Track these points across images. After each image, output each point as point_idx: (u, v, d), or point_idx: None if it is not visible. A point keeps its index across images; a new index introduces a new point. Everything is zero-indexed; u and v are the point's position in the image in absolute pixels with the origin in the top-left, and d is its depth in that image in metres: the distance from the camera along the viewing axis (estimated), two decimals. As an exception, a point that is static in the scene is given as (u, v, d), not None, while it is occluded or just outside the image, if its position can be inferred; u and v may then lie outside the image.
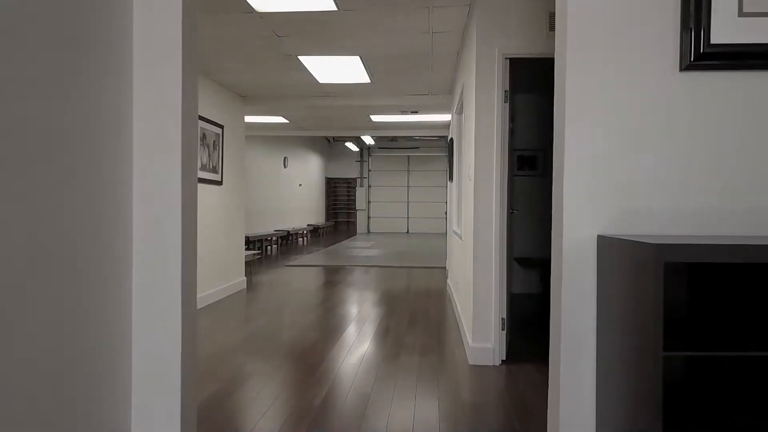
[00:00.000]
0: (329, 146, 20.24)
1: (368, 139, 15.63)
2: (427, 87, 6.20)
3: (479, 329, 3.65)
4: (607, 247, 1.35)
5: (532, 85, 6.14)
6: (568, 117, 1.46)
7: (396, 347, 4.03)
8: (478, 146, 3.63)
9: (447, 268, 8.78)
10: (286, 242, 14.07)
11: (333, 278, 7.85)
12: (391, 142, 18.95)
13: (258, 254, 8.30)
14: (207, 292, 5.74)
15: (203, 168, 5.61)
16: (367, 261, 10.00)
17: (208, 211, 5.78)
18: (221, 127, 6.06)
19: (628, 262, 1.24)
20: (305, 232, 15.60)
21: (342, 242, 15.03)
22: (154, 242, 1.68)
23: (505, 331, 3.67)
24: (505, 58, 3.61)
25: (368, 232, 20.24)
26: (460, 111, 5.60)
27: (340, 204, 20.87)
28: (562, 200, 1.45)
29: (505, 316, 3.66)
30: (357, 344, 4.13)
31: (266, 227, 12.99)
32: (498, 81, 3.59)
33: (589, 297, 1.45)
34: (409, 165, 20.22)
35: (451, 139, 6.22)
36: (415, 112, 7.46)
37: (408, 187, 20.28)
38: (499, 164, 3.61)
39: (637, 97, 1.46)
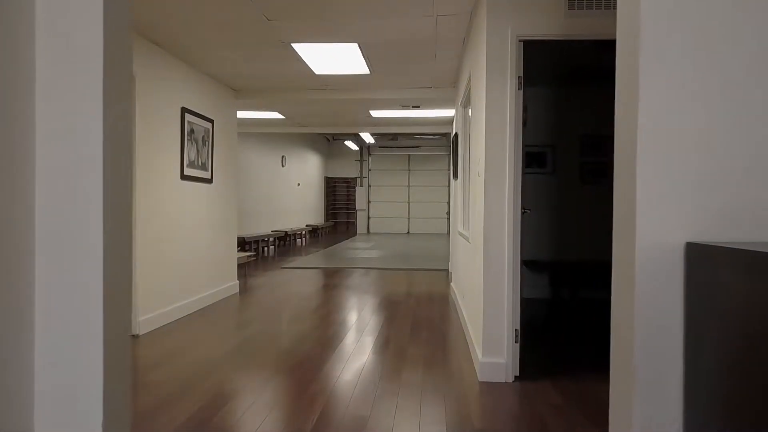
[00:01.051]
0: (328, 145, 19.87)
1: (368, 138, 15.27)
2: (430, 79, 5.84)
3: (490, 342, 3.28)
4: (706, 259, 0.98)
5: (539, 75, 5.77)
6: (642, 87, 1.08)
7: (397, 361, 3.67)
8: (488, 139, 3.27)
9: (450, 270, 8.41)
10: (284, 243, 13.71)
11: (331, 281, 7.48)
12: (392, 140, 18.59)
13: (253, 256, 7.95)
14: (195, 297, 5.38)
15: (191, 165, 5.24)
16: (366, 263, 9.64)
17: (196, 210, 5.42)
18: (211, 121, 5.70)
19: (752, 286, 0.87)
20: (304, 232, 15.24)
21: (341, 243, 14.67)
22: (63, 255, 1.31)
23: (518, 344, 3.31)
24: (519, 41, 3.25)
25: (368, 232, 19.88)
26: (465, 104, 5.24)
27: (339, 204, 20.51)
28: (634, 198, 1.07)
29: (518, 327, 3.30)
30: (354, 357, 3.76)
31: (263, 228, 12.63)
32: (511, 65, 3.23)
33: (672, 327, 1.08)
34: (409, 164, 19.87)
35: (456, 134, 5.86)
36: (417, 107, 7.10)
37: (409, 186, 19.92)
38: (512, 159, 3.24)
39: (748, 44, 1.07)
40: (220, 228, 6.04)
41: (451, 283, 6.61)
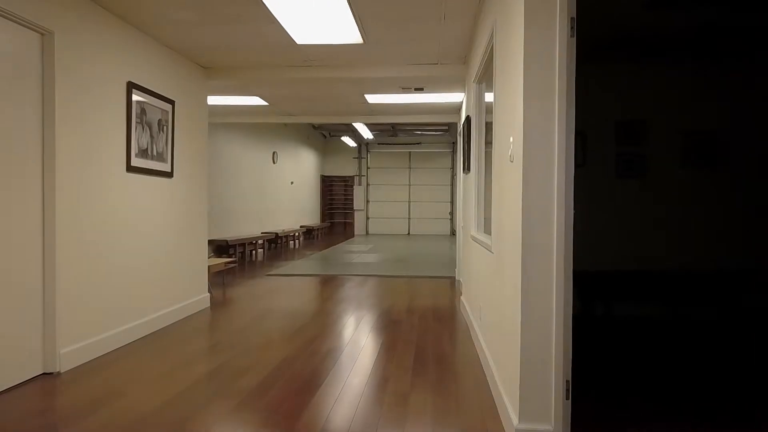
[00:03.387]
0: (325, 141, 18.88)
1: (366, 133, 14.28)
2: (436, 52, 4.84)
3: (530, 398, 2.29)
4: None
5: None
6: None
7: (397, 416, 2.67)
8: (528, 107, 2.27)
9: (458, 278, 7.42)
10: (275, 246, 12.72)
11: (321, 292, 6.48)
12: (392, 137, 17.60)
13: (232, 262, 6.95)
14: (146, 317, 4.37)
15: (141, 155, 4.24)
16: (363, 269, 8.64)
17: (150, 210, 4.42)
18: (171, 102, 4.70)
19: None
20: (297, 234, 14.24)
21: (337, 245, 13.67)
22: None
23: (569, 401, 2.31)
24: (573, -35, 2.26)
25: (366, 233, 18.88)
26: (481, 80, 4.25)
27: (336, 204, 19.51)
28: None
29: (570, 378, 2.30)
30: (339, 408, 2.76)
31: (252, 229, 11.63)
32: (561, 2, 2.23)
33: None
34: (410, 162, 18.87)
35: (467, 118, 4.86)
36: (420, 90, 6.10)
37: (409, 185, 18.93)
38: (564, 136, 2.25)
39: None
40: (184, 231, 5.04)
41: (461, 297, 5.61)
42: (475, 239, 4.19)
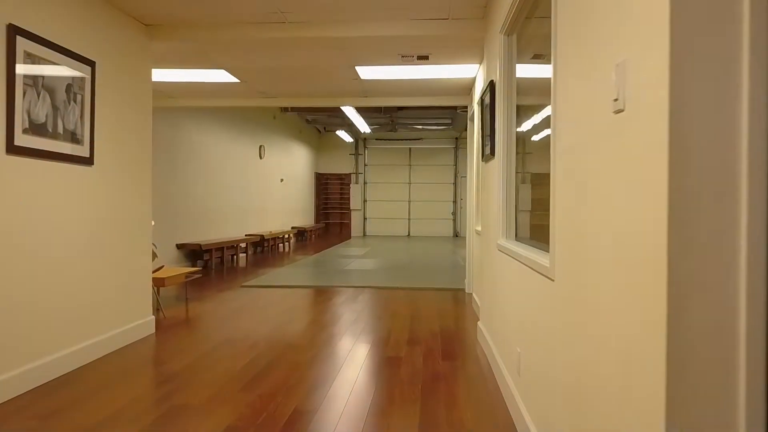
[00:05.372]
0: (319, 136, 17.66)
1: (363, 126, 13.07)
2: (447, 1, 3.62)
3: None
4: None
5: None
6: None
7: None
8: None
9: (468, 291, 6.19)
10: (261, 249, 11.50)
11: (302, 310, 5.25)
12: (391, 132, 16.38)
13: (196, 272, 5.73)
14: (41, 361, 3.14)
15: (35, 130, 3.02)
16: (357, 278, 7.41)
17: (54, 207, 3.19)
18: (90, 64, 3.48)
19: None
20: (288, 236, 13.03)
21: (331, 248, 12.45)
22: None
23: None
24: None
25: (364, 235, 17.66)
26: (511, 30, 3.03)
27: (332, 203, 18.29)
28: None
29: None
30: None
31: (234, 231, 10.41)
32: None
33: None
34: (410, 159, 17.66)
35: (491, 84, 3.63)
36: (424, 59, 4.87)
37: (409, 183, 17.71)
38: (766, 49, 1.03)
39: None
40: (114, 237, 3.81)
41: (479, 323, 4.38)
42: (506, 251, 2.95)
